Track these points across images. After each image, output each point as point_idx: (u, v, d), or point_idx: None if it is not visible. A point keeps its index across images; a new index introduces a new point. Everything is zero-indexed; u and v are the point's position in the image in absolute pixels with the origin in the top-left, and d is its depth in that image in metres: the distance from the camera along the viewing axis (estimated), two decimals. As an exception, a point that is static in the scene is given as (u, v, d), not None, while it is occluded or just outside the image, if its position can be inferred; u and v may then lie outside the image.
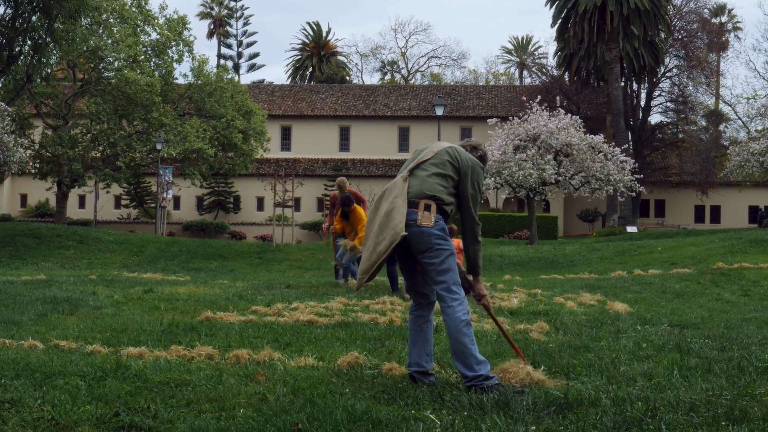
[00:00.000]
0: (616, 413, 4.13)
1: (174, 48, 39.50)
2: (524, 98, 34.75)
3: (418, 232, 4.97)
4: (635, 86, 52.71)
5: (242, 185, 49.93)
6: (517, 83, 72.10)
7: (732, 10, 66.99)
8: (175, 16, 39.49)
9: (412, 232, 4.98)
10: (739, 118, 48.52)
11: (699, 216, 51.41)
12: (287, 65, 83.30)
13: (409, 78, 76.90)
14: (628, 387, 4.81)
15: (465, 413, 4.20)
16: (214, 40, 78.17)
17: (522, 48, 78.67)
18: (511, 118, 32.30)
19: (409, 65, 78.56)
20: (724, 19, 65.50)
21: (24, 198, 52.53)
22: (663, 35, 48.97)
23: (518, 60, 77.92)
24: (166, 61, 39.09)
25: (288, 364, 5.55)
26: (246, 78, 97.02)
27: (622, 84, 48.76)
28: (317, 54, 76.26)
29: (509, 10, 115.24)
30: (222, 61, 74.17)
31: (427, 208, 5.00)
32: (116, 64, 38.20)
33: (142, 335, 7.04)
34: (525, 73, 73.93)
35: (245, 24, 78.21)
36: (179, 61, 39.83)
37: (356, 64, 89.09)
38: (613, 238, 34.36)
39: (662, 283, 13.18)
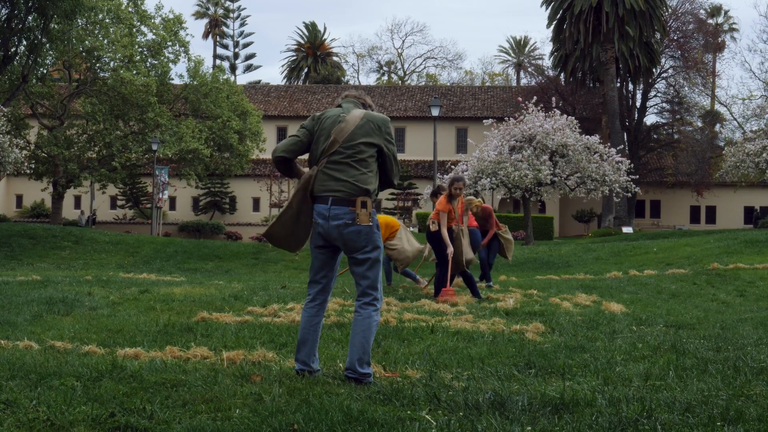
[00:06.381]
0: (612, 414, 4.13)
1: (170, 48, 39.45)
2: (520, 99, 34.79)
3: (356, 230, 4.94)
4: (631, 87, 52.76)
5: (238, 186, 49.88)
6: (514, 84, 72.11)
7: (728, 11, 67.09)
8: (171, 16, 39.44)
9: (350, 231, 4.93)
10: (735, 119, 48.53)
11: (694, 216, 51.47)
12: (283, 66, 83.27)
13: (405, 79, 76.89)
14: (624, 387, 4.82)
15: (461, 413, 4.19)
16: (210, 40, 78.13)
17: (519, 48, 78.67)
18: (506, 118, 32.34)
19: (405, 66, 78.62)
20: (720, 20, 65.58)
21: (20, 198, 52.45)
22: (658, 36, 49.01)
23: (515, 60, 77.92)
24: (162, 62, 39.02)
25: (284, 365, 5.55)
26: (242, 78, 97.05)
27: (618, 85, 48.79)
28: (313, 54, 76.19)
29: (505, 10, 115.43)
30: (218, 62, 74.12)
31: (364, 205, 4.94)
32: (112, 64, 38.15)
33: (137, 336, 7.03)
34: (522, 73, 73.91)
35: (242, 24, 78.20)
36: (175, 61, 39.78)
37: (352, 64, 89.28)
38: (609, 238, 34.39)
39: (658, 284, 13.19)
